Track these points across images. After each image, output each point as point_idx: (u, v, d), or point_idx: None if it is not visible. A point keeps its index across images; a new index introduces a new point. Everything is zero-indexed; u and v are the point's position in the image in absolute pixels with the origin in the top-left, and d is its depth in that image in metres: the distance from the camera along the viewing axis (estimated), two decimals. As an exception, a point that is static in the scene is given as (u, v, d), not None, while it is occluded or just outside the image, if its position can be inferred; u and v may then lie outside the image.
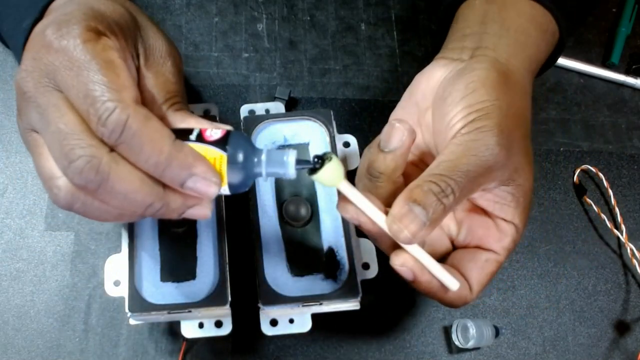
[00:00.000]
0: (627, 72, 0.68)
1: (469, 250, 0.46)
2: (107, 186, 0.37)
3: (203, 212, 0.41)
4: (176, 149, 0.37)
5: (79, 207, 0.39)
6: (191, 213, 0.40)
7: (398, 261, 0.41)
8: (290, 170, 0.39)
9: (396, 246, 0.41)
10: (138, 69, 0.43)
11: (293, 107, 0.63)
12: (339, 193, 0.40)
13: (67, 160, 0.37)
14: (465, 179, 0.40)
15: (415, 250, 0.41)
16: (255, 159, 0.39)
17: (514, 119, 0.43)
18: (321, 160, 0.39)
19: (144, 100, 0.42)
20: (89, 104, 0.37)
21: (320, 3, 0.68)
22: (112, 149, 0.37)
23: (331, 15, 0.68)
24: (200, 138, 0.39)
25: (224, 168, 0.39)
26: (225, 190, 0.40)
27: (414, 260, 0.41)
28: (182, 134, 0.39)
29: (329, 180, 0.39)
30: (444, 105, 0.44)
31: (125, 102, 0.37)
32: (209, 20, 0.66)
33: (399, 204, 0.39)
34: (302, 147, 0.54)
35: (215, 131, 0.40)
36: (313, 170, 0.39)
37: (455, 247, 0.48)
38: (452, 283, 0.42)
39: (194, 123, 0.43)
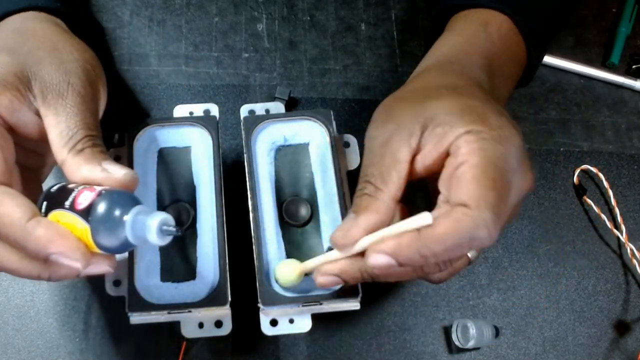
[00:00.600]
0: (627, 73, 0.68)
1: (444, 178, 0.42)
2: None
3: (101, 269, 0.40)
4: (29, 230, 0.37)
5: None
6: (90, 271, 0.40)
7: (322, 279, 0.42)
8: (152, 238, 0.38)
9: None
10: (38, 111, 0.42)
11: (293, 107, 0.63)
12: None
13: None
14: (374, 167, 0.42)
15: (375, 235, 0.40)
16: (119, 229, 0.37)
17: (399, 95, 0.46)
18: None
19: (49, 143, 0.41)
20: None
21: (320, 3, 0.68)
22: None
23: (331, 15, 0.68)
24: (72, 206, 0.38)
25: (90, 239, 0.38)
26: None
27: (336, 265, 0.41)
28: (57, 200, 0.39)
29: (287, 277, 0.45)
30: None
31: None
32: (209, 20, 0.66)
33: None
34: (302, 147, 0.54)
35: (86, 195, 0.38)
36: None
37: None
38: (421, 218, 0.38)
39: (91, 168, 0.40)
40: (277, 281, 0.47)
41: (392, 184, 0.41)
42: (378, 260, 0.39)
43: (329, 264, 0.42)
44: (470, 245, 0.39)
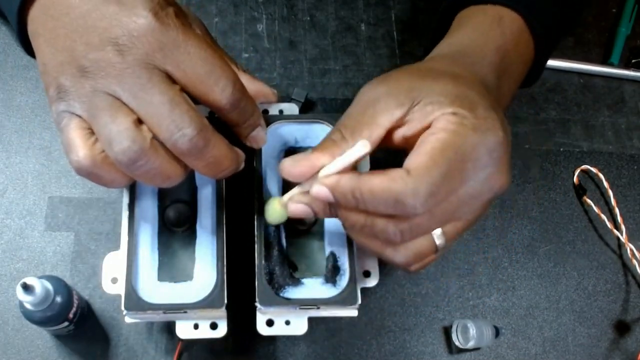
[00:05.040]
0: (627, 67, 0.68)
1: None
2: (207, 152, 0.41)
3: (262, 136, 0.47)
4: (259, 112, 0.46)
5: (141, 164, 0.40)
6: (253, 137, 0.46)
7: (315, 190, 0.42)
8: None
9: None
10: None
11: (310, 110, 0.63)
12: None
13: (177, 128, 0.39)
14: (350, 121, 0.43)
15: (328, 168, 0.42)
16: None
17: (400, 71, 0.46)
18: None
19: None
20: (214, 79, 0.41)
21: (320, 3, 0.68)
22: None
23: (331, 15, 0.68)
24: None
25: None
26: None
27: (332, 180, 0.42)
28: None
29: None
30: None
31: (235, 77, 0.42)
32: (209, 20, 0.66)
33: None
34: None
35: None
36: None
37: None
38: (359, 146, 0.41)
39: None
40: (267, 221, 0.48)
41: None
42: (318, 191, 0.42)
43: (300, 194, 0.44)
44: (395, 207, 0.39)
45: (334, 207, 0.43)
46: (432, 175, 0.39)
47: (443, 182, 0.39)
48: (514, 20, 0.51)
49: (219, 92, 0.42)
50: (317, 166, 0.42)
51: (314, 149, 0.43)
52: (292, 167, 0.43)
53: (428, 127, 0.41)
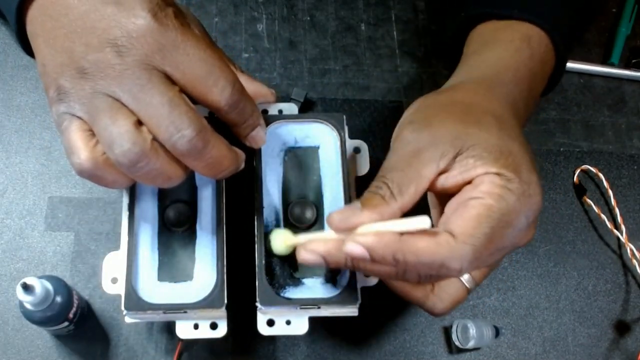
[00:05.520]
0: (627, 67, 0.68)
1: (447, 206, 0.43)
2: (206, 152, 0.41)
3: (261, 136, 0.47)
4: (258, 114, 0.46)
5: (141, 165, 0.40)
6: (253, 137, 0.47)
7: (306, 255, 0.42)
8: None
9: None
10: None
11: (309, 109, 0.63)
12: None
13: (176, 129, 0.40)
14: (398, 174, 0.42)
15: (369, 226, 0.41)
16: None
17: (427, 105, 0.46)
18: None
19: None
20: (213, 79, 0.41)
21: (320, 3, 0.68)
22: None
23: (331, 15, 0.68)
24: None
25: None
26: None
27: (321, 244, 0.42)
28: None
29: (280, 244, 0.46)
30: None
31: (235, 78, 0.43)
32: (209, 20, 0.66)
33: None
34: (312, 150, 0.54)
35: None
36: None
37: None
38: (420, 220, 0.39)
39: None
40: (270, 248, 0.48)
41: (408, 197, 0.41)
42: (353, 249, 0.39)
43: (317, 242, 0.42)
44: (439, 270, 0.40)
45: (353, 262, 0.41)
46: (477, 242, 0.39)
47: (486, 249, 0.40)
48: (542, 39, 0.51)
49: (218, 93, 0.42)
50: (364, 224, 0.40)
51: (361, 203, 0.41)
52: (340, 222, 0.41)
53: (469, 181, 0.41)
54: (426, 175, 0.42)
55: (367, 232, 0.40)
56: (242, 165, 0.45)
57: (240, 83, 0.43)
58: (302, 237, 0.44)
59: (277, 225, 0.51)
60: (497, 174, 0.40)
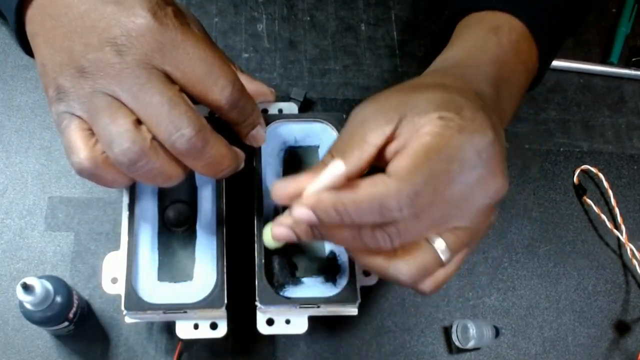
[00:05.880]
0: (627, 66, 0.68)
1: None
2: (205, 152, 0.41)
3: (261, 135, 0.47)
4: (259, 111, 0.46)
5: (141, 165, 0.40)
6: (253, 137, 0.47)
7: (276, 230, 0.43)
8: None
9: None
10: None
11: (309, 109, 0.63)
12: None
13: (175, 128, 0.39)
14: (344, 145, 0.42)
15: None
16: None
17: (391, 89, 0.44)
18: None
19: None
20: (213, 78, 0.41)
21: (320, 3, 0.68)
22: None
23: (331, 15, 0.68)
24: None
25: None
26: None
27: (285, 223, 0.42)
28: None
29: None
30: None
31: (235, 77, 0.43)
32: (209, 20, 0.66)
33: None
34: (312, 150, 0.54)
35: None
36: None
37: None
38: (334, 165, 0.39)
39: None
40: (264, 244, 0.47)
41: (350, 161, 0.40)
42: (300, 212, 0.39)
43: (286, 217, 0.43)
44: (382, 213, 0.38)
45: (317, 229, 0.41)
46: (415, 176, 0.38)
47: (427, 183, 0.38)
48: (514, 28, 0.50)
49: (219, 92, 0.42)
50: (304, 188, 0.40)
51: (305, 172, 0.42)
52: (279, 189, 0.42)
53: None
54: (371, 141, 0.41)
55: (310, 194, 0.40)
56: (242, 165, 0.45)
57: (240, 82, 0.43)
58: (275, 220, 0.44)
59: None
60: (439, 117, 0.39)
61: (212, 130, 0.41)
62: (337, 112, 0.54)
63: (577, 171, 0.63)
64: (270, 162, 0.52)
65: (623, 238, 0.61)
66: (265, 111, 0.55)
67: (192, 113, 0.40)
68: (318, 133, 0.53)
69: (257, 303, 0.47)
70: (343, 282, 0.49)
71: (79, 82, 0.40)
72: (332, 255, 0.50)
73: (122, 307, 0.46)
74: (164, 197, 0.52)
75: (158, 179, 0.42)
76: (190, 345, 0.55)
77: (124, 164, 0.40)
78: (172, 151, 0.41)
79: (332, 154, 0.42)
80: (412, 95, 0.42)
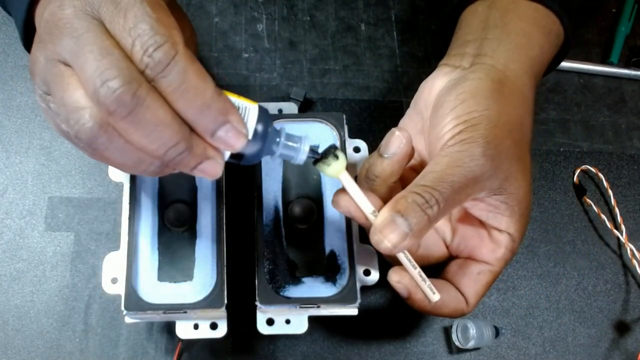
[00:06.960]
0: (627, 66, 0.68)
1: (462, 262, 0.48)
2: (139, 113, 0.34)
3: (216, 170, 0.38)
4: (217, 94, 0.36)
5: (102, 142, 0.36)
6: (204, 168, 0.38)
7: (395, 277, 0.44)
8: (301, 157, 0.42)
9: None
10: None
11: (309, 109, 0.63)
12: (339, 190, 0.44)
13: (101, 80, 0.34)
14: (450, 190, 0.41)
15: (403, 259, 0.43)
16: (276, 136, 0.41)
17: (505, 127, 0.44)
18: (327, 153, 0.42)
19: None
20: (135, 35, 0.34)
21: (320, 3, 0.68)
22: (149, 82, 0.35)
23: (331, 15, 0.68)
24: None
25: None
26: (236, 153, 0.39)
27: (410, 278, 0.44)
28: None
29: (332, 170, 0.43)
30: (437, 116, 0.46)
31: (174, 39, 0.35)
32: (209, 20, 0.66)
33: (382, 214, 0.42)
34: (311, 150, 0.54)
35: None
36: (317, 160, 0.42)
37: (451, 254, 0.49)
38: (431, 295, 0.44)
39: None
40: (320, 169, 0.45)
41: (441, 216, 0.43)
42: (397, 284, 0.45)
43: (361, 209, 0.44)
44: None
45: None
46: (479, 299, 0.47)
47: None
48: (528, 6, 0.50)
49: (141, 53, 0.35)
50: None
51: (399, 211, 0.42)
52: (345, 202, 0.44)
53: (484, 225, 0.47)
54: (466, 202, 0.44)
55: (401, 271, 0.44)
56: (218, 164, 0.38)
57: (187, 53, 0.36)
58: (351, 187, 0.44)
59: (277, 225, 0.51)
60: (510, 235, 0.46)
61: (152, 89, 0.35)
62: (337, 112, 0.54)
63: (577, 171, 0.63)
64: (270, 162, 0.52)
65: (623, 238, 0.61)
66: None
67: (126, 64, 0.34)
68: (318, 133, 0.53)
69: (257, 303, 0.48)
70: (343, 282, 0.49)
71: (35, 56, 0.37)
72: (332, 255, 0.50)
73: (122, 307, 0.46)
74: (164, 197, 0.52)
75: (130, 157, 0.37)
76: (190, 345, 0.55)
77: (84, 143, 0.36)
78: (103, 111, 0.35)
79: (438, 200, 0.42)
80: (516, 174, 0.45)
